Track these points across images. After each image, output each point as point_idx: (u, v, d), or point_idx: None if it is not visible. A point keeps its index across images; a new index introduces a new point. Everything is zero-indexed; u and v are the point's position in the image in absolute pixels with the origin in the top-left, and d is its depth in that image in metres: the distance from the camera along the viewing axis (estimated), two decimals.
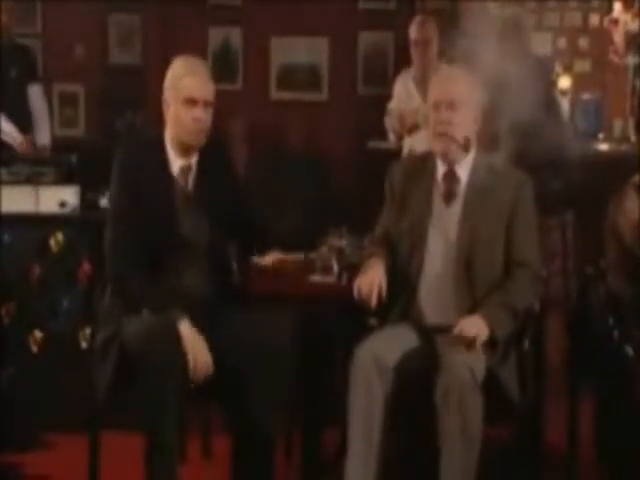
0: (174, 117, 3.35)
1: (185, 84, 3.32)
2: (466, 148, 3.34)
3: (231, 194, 3.45)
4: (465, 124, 3.31)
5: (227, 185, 3.45)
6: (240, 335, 3.22)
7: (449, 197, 3.34)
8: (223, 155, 3.53)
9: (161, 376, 3.04)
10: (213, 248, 3.40)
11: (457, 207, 3.33)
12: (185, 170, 3.39)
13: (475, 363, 3.08)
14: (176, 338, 3.13)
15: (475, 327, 3.12)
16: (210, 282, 3.38)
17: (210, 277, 3.38)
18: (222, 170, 3.46)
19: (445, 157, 3.34)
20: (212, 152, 3.42)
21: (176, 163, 3.38)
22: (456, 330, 3.11)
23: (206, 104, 3.34)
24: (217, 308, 3.32)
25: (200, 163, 3.41)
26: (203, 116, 3.33)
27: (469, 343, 3.08)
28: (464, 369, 3.03)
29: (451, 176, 3.35)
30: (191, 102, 3.31)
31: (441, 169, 3.37)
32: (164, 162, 3.37)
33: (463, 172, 3.35)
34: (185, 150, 3.38)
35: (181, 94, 3.32)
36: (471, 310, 3.20)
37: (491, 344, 3.14)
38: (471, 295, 3.25)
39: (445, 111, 3.27)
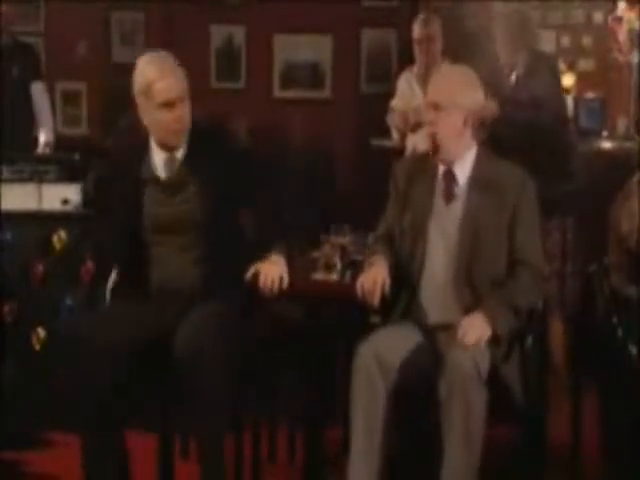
0: (153, 122, 3.30)
1: (158, 90, 3.25)
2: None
3: (226, 182, 3.33)
4: (451, 126, 3.28)
5: (221, 172, 3.33)
6: (193, 331, 3.11)
7: (448, 196, 3.34)
8: (218, 143, 3.42)
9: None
10: (204, 236, 3.33)
11: (458, 205, 3.32)
12: (168, 162, 3.35)
13: (479, 357, 3.07)
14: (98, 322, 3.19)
15: (477, 328, 3.11)
16: (194, 273, 3.32)
17: (195, 268, 3.33)
18: (215, 158, 3.35)
19: (435, 158, 3.33)
20: (204, 142, 3.36)
21: (159, 155, 3.35)
22: (459, 334, 3.10)
23: (182, 99, 3.29)
24: (193, 299, 3.25)
25: (189, 153, 3.36)
26: (183, 113, 3.29)
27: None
28: (469, 363, 3.03)
29: (449, 176, 3.34)
30: (168, 105, 3.26)
31: (441, 168, 3.37)
32: (144, 154, 3.36)
33: (462, 171, 3.33)
34: (170, 147, 3.35)
35: (156, 100, 3.26)
36: (472, 308, 3.20)
37: (494, 341, 3.14)
38: (473, 293, 3.25)
39: (431, 112, 3.28)
